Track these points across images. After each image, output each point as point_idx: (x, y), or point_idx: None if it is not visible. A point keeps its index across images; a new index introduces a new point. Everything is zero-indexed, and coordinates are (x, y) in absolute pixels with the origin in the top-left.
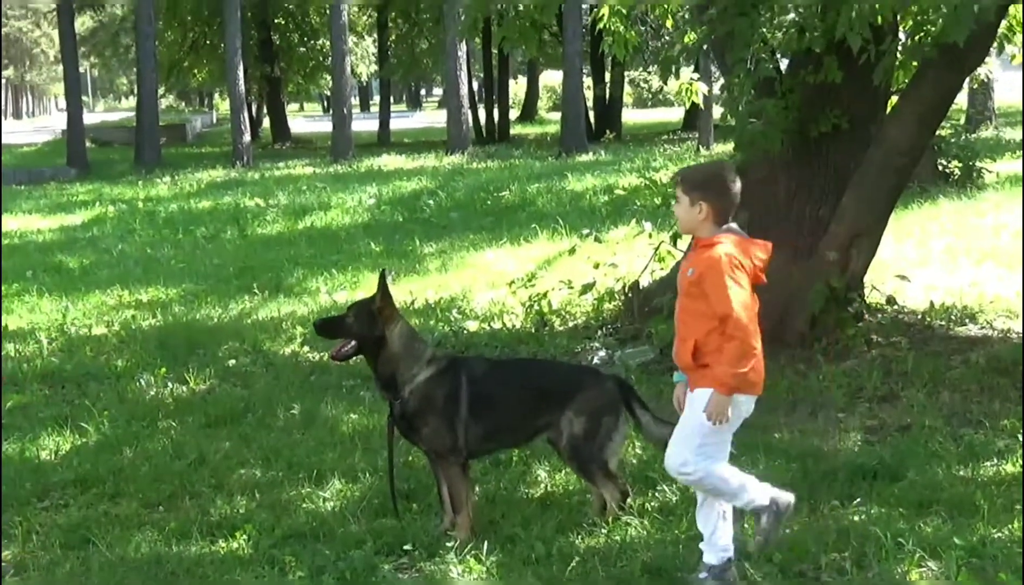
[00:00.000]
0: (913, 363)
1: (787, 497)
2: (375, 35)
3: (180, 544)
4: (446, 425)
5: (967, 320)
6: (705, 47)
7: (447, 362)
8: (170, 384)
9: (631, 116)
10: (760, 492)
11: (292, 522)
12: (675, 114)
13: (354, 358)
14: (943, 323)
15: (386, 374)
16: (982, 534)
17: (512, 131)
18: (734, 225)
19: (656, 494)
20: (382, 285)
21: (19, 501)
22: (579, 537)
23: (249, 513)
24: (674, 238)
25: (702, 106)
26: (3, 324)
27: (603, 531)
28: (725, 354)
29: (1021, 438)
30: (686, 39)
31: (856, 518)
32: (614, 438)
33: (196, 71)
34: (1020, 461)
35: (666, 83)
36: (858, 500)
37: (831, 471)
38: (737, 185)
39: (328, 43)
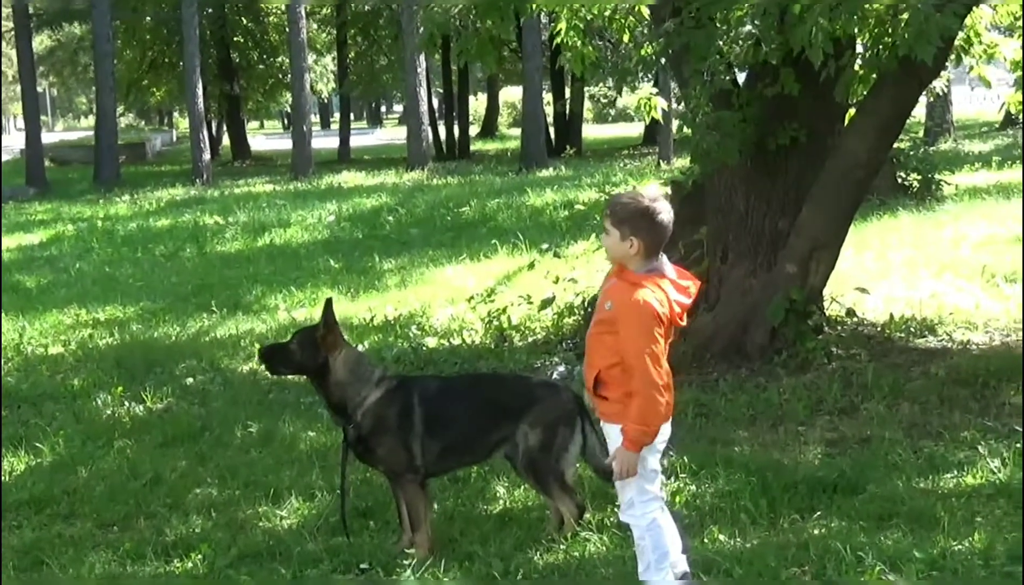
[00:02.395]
0: (873, 375)
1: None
2: (335, 52)
3: (135, 565)
4: (401, 444)
5: (926, 332)
6: (663, 60)
7: (397, 382)
8: (127, 403)
9: (592, 131)
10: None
11: (248, 541)
12: (636, 129)
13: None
14: (903, 335)
15: (335, 399)
16: (943, 547)
17: (472, 147)
18: (662, 262)
19: (614, 509)
20: (326, 314)
21: None
22: (538, 553)
23: (205, 532)
24: None
25: (661, 121)
26: None
27: (562, 547)
28: (632, 410)
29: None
30: (643, 51)
31: (816, 531)
32: (570, 449)
33: (155, 89)
34: (984, 473)
35: (620, 94)
36: (818, 513)
37: (791, 484)
38: (668, 216)
39: (287, 60)
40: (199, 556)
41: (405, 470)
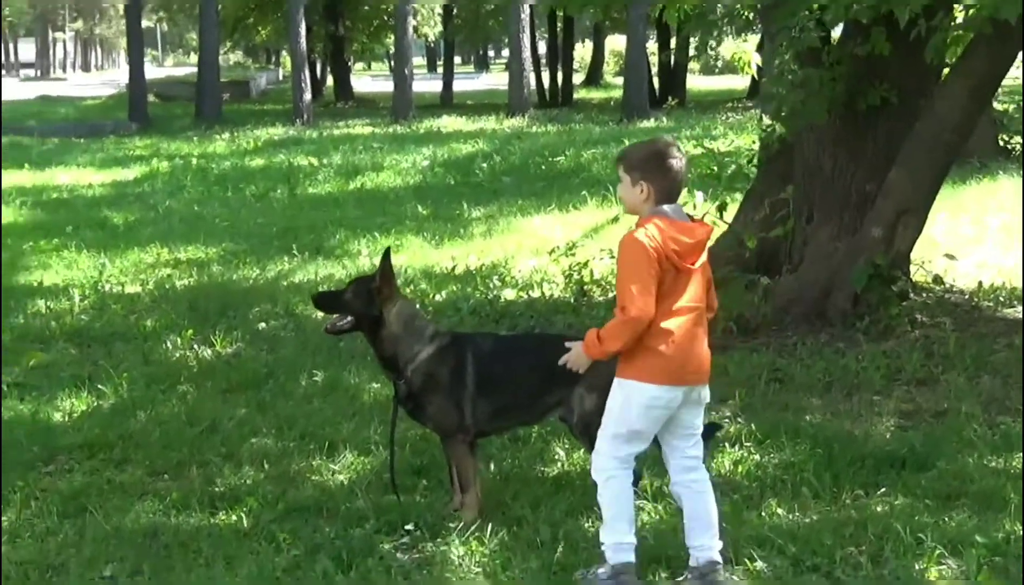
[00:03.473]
0: (955, 345)
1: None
2: None
3: (180, 515)
4: (451, 403)
5: (1016, 301)
6: (752, 15)
7: (450, 339)
8: (196, 346)
9: (697, 83)
10: (621, 553)
11: (297, 495)
12: (742, 82)
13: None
14: (991, 304)
15: (387, 354)
16: (1008, 531)
17: (576, 95)
18: (668, 207)
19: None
20: (383, 265)
21: (24, 465)
22: (589, 521)
23: (255, 484)
24: (720, 209)
25: (756, 76)
26: (39, 280)
27: None
28: (610, 323)
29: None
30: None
31: (879, 508)
32: None
33: (260, 28)
34: None
35: (706, 49)
36: (883, 490)
37: (858, 458)
38: (680, 162)
39: (393, 2)
40: (245, 509)
41: (455, 429)
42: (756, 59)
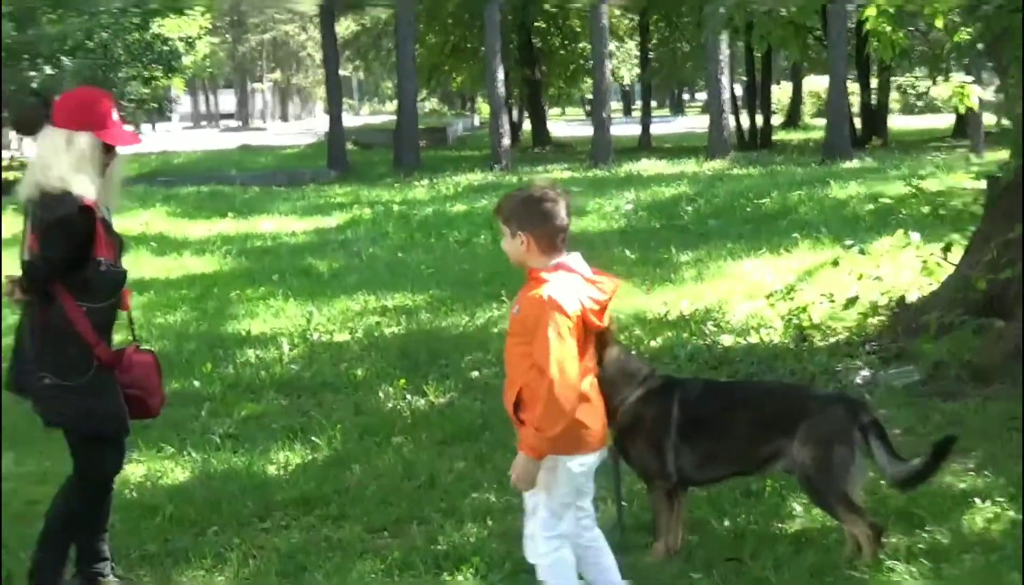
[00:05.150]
0: None
1: None
2: (637, 38)
3: (403, 576)
4: (653, 448)
5: None
6: (979, 46)
7: (660, 383)
8: (408, 396)
9: (898, 122)
10: None
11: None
12: (944, 121)
13: None
14: None
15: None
16: None
17: (775, 137)
18: (567, 257)
19: (923, 534)
20: None
21: (240, 521)
22: (836, 583)
23: (479, 543)
24: (945, 249)
25: (976, 110)
26: (248, 329)
27: (863, 576)
28: (536, 415)
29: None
30: (956, 37)
31: None
32: (851, 470)
33: (456, 74)
34: None
35: (935, 82)
36: None
37: None
38: (557, 206)
39: (589, 46)
40: (471, 569)
41: (655, 475)
42: (977, 92)
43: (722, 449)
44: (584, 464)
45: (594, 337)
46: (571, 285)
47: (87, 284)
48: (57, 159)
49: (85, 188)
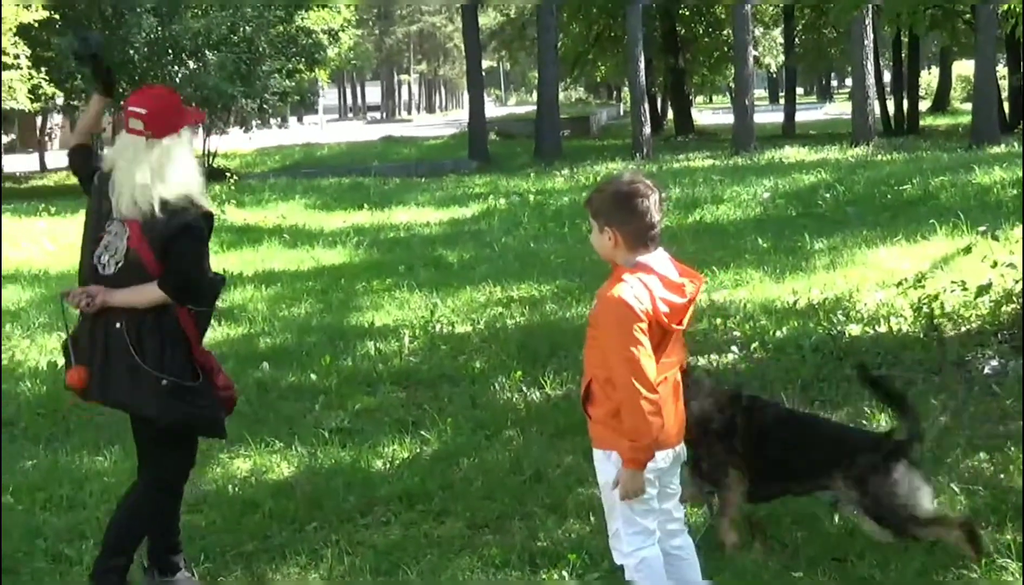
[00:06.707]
0: None
1: None
2: (783, 24)
3: (498, 574)
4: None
5: None
6: None
7: (727, 398)
8: (524, 388)
9: None
10: None
11: None
12: None
13: None
14: None
15: None
16: None
17: (922, 122)
18: (651, 257)
19: None
20: None
21: (340, 517)
22: (946, 581)
23: (579, 540)
24: None
25: None
26: (371, 321)
27: (973, 575)
28: (624, 428)
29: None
30: None
31: None
32: (909, 498)
33: (600, 63)
34: None
35: None
36: None
37: None
38: (648, 201)
39: (733, 33)
40: (568, 567)
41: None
42: None
43: (774, 470)
44: (660, 463)
45: (672, 337)
46: (648, 285)
47: (198, 290)
48: (172, 169)
49: (201, 192)
